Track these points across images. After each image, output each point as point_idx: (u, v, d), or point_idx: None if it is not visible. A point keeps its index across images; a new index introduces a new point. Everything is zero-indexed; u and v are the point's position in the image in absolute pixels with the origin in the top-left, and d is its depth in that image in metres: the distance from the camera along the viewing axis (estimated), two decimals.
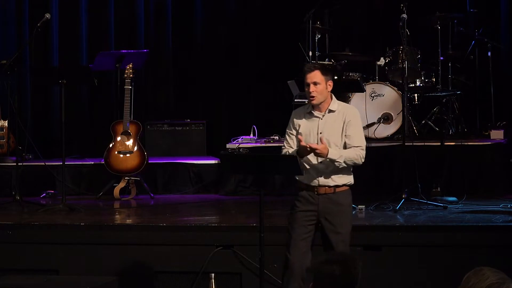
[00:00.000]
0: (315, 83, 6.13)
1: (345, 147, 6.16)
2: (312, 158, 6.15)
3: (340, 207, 6.17)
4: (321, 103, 6.18)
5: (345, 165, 6.11)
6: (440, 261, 7.01)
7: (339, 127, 6.15)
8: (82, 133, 11.17)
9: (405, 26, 8.71)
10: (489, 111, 10.07)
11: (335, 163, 6.07)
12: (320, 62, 10.34)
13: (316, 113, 6.22)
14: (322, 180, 6.18)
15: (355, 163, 6.14)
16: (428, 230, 7.30)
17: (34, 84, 11.04)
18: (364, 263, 7.05)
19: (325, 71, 6.18)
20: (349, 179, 6.22)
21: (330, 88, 6.18)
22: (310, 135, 6.19)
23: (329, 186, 6.17)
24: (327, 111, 6.20)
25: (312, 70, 6.15)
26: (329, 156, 6.03)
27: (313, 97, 6.14)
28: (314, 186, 6.19)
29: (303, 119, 6.27)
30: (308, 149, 6.04)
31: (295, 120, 6.31)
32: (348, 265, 3.61)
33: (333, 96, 6.25)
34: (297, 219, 6.24)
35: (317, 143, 6.11)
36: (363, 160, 6.15)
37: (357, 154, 6.10)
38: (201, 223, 7.75)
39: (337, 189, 6.17)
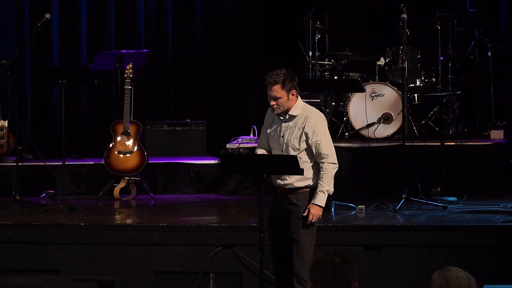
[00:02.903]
0: (274, 98, 6.18)
1: (311, 153, 6.20)
2: None
3: (297, 208, 6.20)
4: (284, 111, 6.25)
5: (332, 180, 6.17)
6: (440, 261, 6.99)
7: (298, 132, 6.21)
8: (82, 133, 11.16)
9: (405, 26, 8.71)
10: (489, 111, 10.07)
11: (327, 193, 6.17)
12: (321, 62, 10.36)
13: (282, 116, 6.30)
14: (279, 182, 6.27)
15: (334, 173, 6.21)
16: (428, 230, 7.30)
17: (34, 84, 11.03)
18: (364, 263, 7.09)
19: (286, 83, 6.16)
20: (310, 182, 6.24)
21: (293, 97, 6.22)
22: (275, 136, 6.31)
23: (286, 188, 6.23)
24: (288, 116, 6.26)
25: (273, 85, 6.16)
26: (320, 203, 6.14)
27: (274, 109, 6.23)
28: (275, 187, 6.31)
29: (272, 120, 6.38)
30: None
31: (266, 119, 6.44)
32: (347, 258, 3.64)
33: (298, 99, 6.28)
34: (268, 222, 6.36)
35: (281, 145, 6.22)
36: (336, 166, 6.21)
37: (329, 169, 6.16)
38: (201, 223, 7.74)
39: (298, 191, 6.23)
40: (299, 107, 6.27)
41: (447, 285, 3.58)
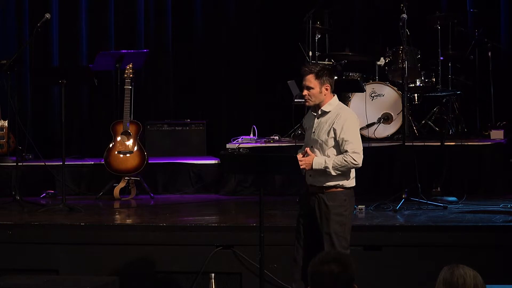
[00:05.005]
0: (307, 87, 6.18)
1: (340, 151, 6.15)
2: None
3: (327, 208, 6.15)
4: (316, 104, 6.22)
5: (339, 172, 6.11)
6: (440, 261, 6.97)
7: (328, 128, 6.16)
8: (82, 133, 11.18)
9: (405, 26, 8.71)
10: (489, 111, 10.07)
11: (327, 171, 6.09)
12: (321, 62, 10.36)
13: (314, 112, 6.30)
14: (311, 180, 6.23)
15: (349, 168, 6.12)
16: (428, 230, 7.30)
17: (34, 84, 11.04)
18: (364, 263, 7.08)
19: (320, 75, 6.16)
20: (340, 181, 6.16)
21: (326, 91, 6.18)
22: (309, 132, 6.29)
23: (317, 186, 6.18)
24: (320, 111, 6.23)
25: (307, 74, 6.18)
26: (313, 167, 6.08)
27: (306, 100, 6.23)
28: (308, 185, 6.26)
29: (308, 117, 6.39)
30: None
31: (306, 120, 6.44)
32: (344, 262, 3.63)
33: (334, 97, 6.25)
34: (297, 219, 6.34)
35: (312, 140, 6.20)
36: (357, 163, 6.09)
37: (347, 160, 6.07)
38: (201, 223, 7.74)
39: (326, 190, 6.16)
40: (333, 104, 6.22)
41: (452, 280, 3.59)
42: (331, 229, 6.13)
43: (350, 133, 6.12)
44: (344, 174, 6.16)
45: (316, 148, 6.18)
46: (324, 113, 6.21)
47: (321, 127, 6.19)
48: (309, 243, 6.24)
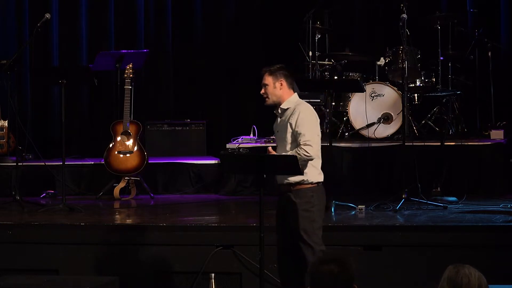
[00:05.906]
0: (263, 85, 6.35)
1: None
2: None
3: (294, 206, 6.21)
4: (275, 103, 6.35)
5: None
6: (440, 261, 7.00)
7: (286, 124, 6.26)
8: (82, 133, 11.17)
9: (405, 26, 8.71)
10: (489, 111, 10.07)
11: None
12: (321, 62, 10.37)
13: (276, 112, 6.42)
14: (279, 179, 6.32)
15: (304, 160, 6.13)
16: (428, 230, 7.30)
17: (34, 84, 11.04)
18: (364, 263, 7.09)
19: (273, 71, 6.33)
20: (304, 177, 6.19)
21: (282, 87, 6.32)
22: (275, 133, 6.46)
23: (285, 185, 6.25)
24: (280, 110, 6.35)
25: (263, 74, 6.37)
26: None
27: (264, 99, 6.37)
28: (277, 185, 6.35)
29: (276, 121, 6.48)
30: None
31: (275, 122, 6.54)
32: (343, 262, 3.64)
33: (294, 95, 6.36)
34: (275, 218, 6.46)
35: (277, 139, 6.39)
36: (309, 155, 6.12)
37: (300, 152, 6.12)
38: (201, 223, 7.75)
39: (294, 188, 6.23)
40: (292, 101, 6.33)
41: (457, 279, 3.59)
42: (300, 226, 6.20)
43: (304, 126, 6.18)
44: (308, 170, 6.18)
45: (280, 146, 6.28)
46: (284, 111, 6.32)
47: (281, 126, 6.31)
48: (284, 241, 6.32)
